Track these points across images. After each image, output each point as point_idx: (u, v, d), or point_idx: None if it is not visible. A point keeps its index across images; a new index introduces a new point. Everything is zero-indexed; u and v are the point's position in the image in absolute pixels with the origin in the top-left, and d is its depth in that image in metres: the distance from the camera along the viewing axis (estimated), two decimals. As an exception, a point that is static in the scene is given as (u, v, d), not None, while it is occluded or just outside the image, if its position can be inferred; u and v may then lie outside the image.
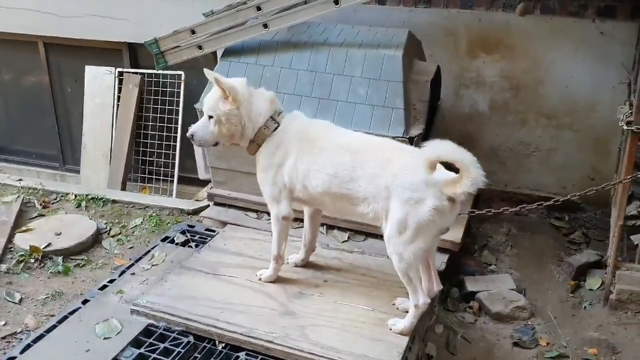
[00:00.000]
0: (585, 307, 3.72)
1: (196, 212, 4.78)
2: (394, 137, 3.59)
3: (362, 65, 3.87)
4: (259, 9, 3.91)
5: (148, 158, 5.68)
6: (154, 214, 4.77)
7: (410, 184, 2.82)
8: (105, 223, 4.65)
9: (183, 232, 4.05)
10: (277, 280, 3.40)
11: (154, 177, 5.66)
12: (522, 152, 4.78)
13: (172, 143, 5.55)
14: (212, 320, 3.07)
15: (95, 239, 4.41)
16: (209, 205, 4.84)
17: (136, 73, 5.62)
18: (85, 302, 3.32)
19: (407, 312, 3.14)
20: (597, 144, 4.63)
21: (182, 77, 5.41)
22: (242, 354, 2.95)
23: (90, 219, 4.63)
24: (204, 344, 3.01)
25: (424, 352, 3.33)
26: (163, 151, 5.59)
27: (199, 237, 4.01)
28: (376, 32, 4.13)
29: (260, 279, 3.41)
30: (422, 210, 2.80)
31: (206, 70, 3.15)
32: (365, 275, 3.52)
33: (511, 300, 3.70)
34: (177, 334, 3.06)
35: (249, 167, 4.14)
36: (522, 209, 3.42)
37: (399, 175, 2.85)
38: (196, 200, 5.04)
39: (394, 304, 3.24)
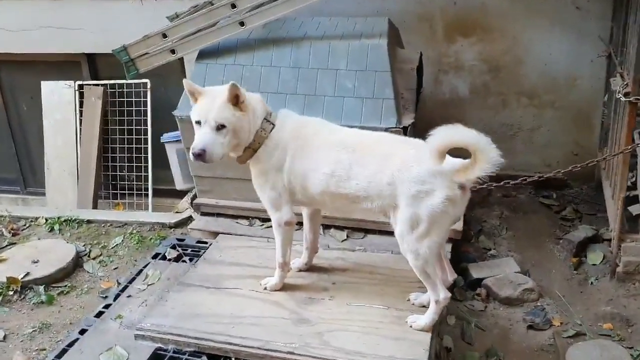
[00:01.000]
0: (591, 282, 3.71)
1: (179, 224, 4.58)
2: (386, 129, 3.50)
3: (346, 57, 3.75)
4: (233, 6, 3.74)
5: (118, 173, 5.41)
6: (134, 231, 4.54)
7: (417, 177, 2.70)
8: (84, 245, 4.40)
9: (173, 247, 3.84)
10: (283, 287, 3.25)
11: (127, 192, 5.40)
12: (506, 133, 4.76)
13: (142, 155, 5.29)
14: (224, 336, 2.89)
15: (76, 263, 4.17)
16: (190, 217, 4.65)
17: (97, 85, 5.34)
18: (82, 331, 3.09)
19: (424, 306, 3.06)
20: (578, 119, 4.66)
21: (148, 86, 5.17)
22: (261, 369, 2.79)
23: (67, 242, 4.37)
24: (220, 362, 2.84)
25: (441, 346, 3.25)
26: (134, 164, 5.33)
27: (191, 251, 3.81)
28: (355, 22, 4.02)
29: (265, 288, 3.25)
30: (434, 202, 2.69)
31: (231, 84, 2.78)
32: (373, 272, 3.41)
33: (519, 283, 3.66)
34: (188, 355, 2.88)
35: (235, 172, 3.99)
36: (522, 182, 3.47)
37: (404, 169, 2.72)
38: (176, 212, 4.81)
39: (408, 300, 3.14)
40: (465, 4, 4.50)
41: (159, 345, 2.93)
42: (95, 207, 5.33)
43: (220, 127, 2.80)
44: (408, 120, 3.68)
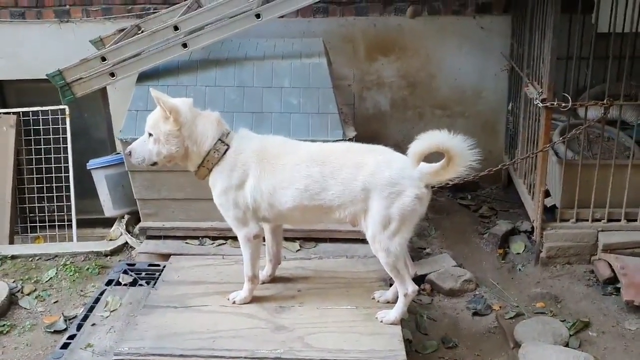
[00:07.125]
0: (519, 269, 4.16)
1: (115, 252, 4.50)
2: (334, 141, 3.74)
3: (289, 75, 3.95)
4: (176, 28, 3.79)
5: (37, 205, 5.13)
6: (67, 263, 4.37)
7: (389, 180, 2.94)
8: (14, 282, 4.16)
9: (125, 272, 3.76)
10: (251, 300, 3.34)
11: (47, 224, 5.13)
12: (423, 143, 5.17)
13: (63, 184, 5.07)
14: (208, 350, 2.93)
15: (10, 301, 3.93)
16: (127, 243, 4.56)
17: (8, 113, 5.05)
18: (52, 365, 2.97)
19: (389, 302, 3.30)
20: (485, 127, 5.19)
21: (67, 112, 4.98)
22: (251, 378, 2.86)
23: (-5, 280, 4.11)
24: (207, 377, 2.87)
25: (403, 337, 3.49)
26: (54, 194, 5.09)
27: (145, 274, 3.76)
28: (292, 42, 4.23)
29: (234, 302, 3.31)
30: (405, 201, 2.94)
31: (151, 89, 3.03)
32: (334, 277, 3.58)
33: (458, 275, 4.00)
34: (173, 374, 2.87)
35: (182, 193, 4.03)
36: (475, 177, 3.39)
37: (376, 173, 2.94)
38: (110, 240, 4.68)
39: (373, 298, 3.36)
40: (384, 26, 4.88)
41: (141, 367, 2.90)
42: (11, 242, 5.01)
43: (150, 135, 3.04)
44: (351, 132, 3.94)
